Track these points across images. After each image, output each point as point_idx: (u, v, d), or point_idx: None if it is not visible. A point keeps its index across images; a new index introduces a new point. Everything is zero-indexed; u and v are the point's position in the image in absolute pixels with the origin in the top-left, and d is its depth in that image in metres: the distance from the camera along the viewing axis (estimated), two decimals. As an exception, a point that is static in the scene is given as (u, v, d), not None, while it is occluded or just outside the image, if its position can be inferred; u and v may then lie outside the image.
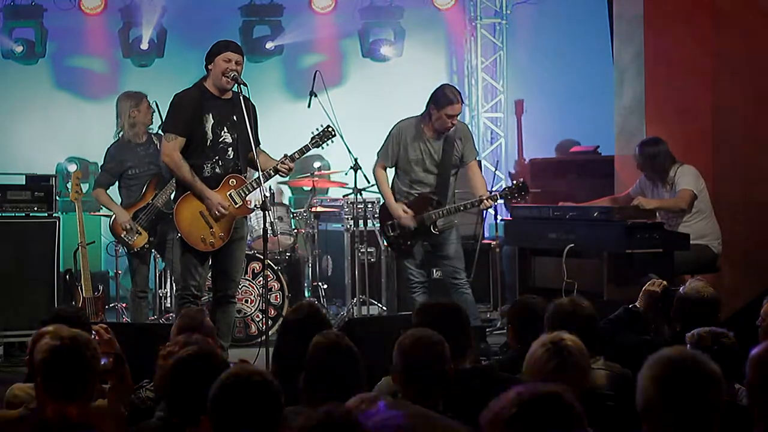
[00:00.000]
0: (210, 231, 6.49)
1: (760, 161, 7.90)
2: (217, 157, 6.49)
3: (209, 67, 6.47)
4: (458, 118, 7.64)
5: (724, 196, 7.57)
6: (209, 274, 6.79)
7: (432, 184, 7.35)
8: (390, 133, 7.43)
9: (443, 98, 7.23)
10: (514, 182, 7.41)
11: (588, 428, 2.49)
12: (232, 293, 6.71)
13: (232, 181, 6.53)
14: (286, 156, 6.56)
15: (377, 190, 8.66)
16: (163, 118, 6.70)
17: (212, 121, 6.45)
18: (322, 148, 6.87)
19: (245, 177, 6.59)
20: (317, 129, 6.77)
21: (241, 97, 6.41)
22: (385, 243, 7.65)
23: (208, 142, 6.45)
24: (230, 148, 6.51)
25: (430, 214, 7.28)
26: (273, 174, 6.58)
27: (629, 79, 8.09)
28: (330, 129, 6.77)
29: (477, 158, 7.71)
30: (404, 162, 7.36)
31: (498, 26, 11.92)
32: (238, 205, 6.54)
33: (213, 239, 6.51)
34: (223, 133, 6.49)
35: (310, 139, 6.72)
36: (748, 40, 7.94)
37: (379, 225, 7.65)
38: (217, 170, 6.50)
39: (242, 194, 6.54)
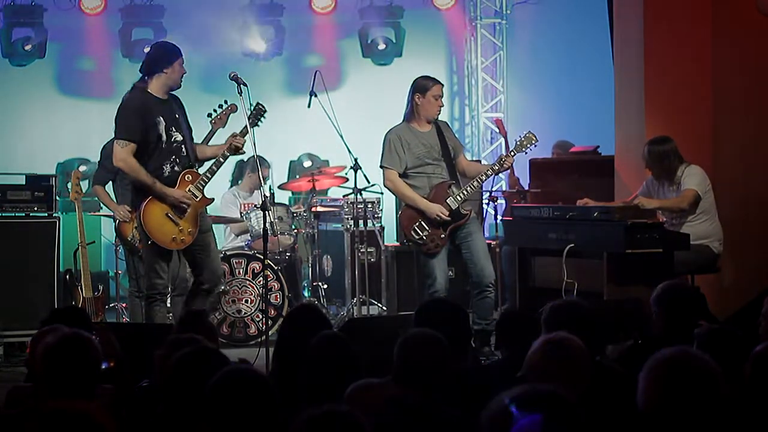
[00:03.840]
0: (179, 229, 6.66)
1: (760, 161, 7.90)
2: (174, 157, 6.66)
3: (166, 71, 6.61)
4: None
5: (723, 195, 7.56)
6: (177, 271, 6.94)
7: (444, 172, 7.28)
8: (388, 140, 7.26)
9: (424, 83, 7.30)
10: (520, 135, 7.39)
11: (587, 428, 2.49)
12: (215, 287, 6.87)
13: (188, 177, 6.70)
14: (234, 135, 6.74)
15: (378, 191, 8.68)
16: (115, 122, 6.69)
17: (164, 123, 6.61)
18: (258, 125, 6.90)
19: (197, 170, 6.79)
20: (249, 110, 6.85)
21: (169, 95, 6.68)
22: (417, 246, 7.27)
23: (164, 144, 6.62)
24: (183, 146, 6.69)
25: (456, 195, 7.23)
26: (228, 156, 6.76)
27: (629, 79, 8.08)
28: (260, 106, 6.88)
29: (464, 151, 7.73)
30: (413, 159, 7.28)
31: (498, 26, 11.93)
32: (198, 198, 6.71)
33: (183, 236, 6.67)
34: (173, 132, 6.66)
35: (248, 120, 6.80)
36: (748, 40, 7.93)
37: (404, 234, 7.42)
38: (176, 169, 6.67)
39: (200, 187, 6.71)
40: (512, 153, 7.32)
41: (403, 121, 7.37)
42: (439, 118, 7.46)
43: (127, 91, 6.74)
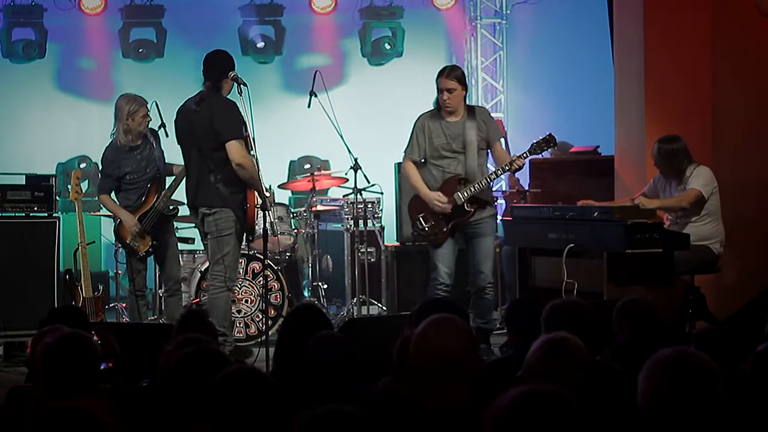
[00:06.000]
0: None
1: (760, 161, 7.90)
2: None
3: (230, 76, 6.79)
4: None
5: (723, 195, 7.55)
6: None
7: (460, 166, 7.22)
8: (415, 126, 7.31)
9: (438, 74, 7.26)
10: (542, 136, 7.34)
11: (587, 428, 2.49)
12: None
13: None
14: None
15: (378, 191, 8.70)
16: (223, 124, 6.75)
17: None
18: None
19: None
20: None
21: None
22: (420, 236, 7.38)
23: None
24: None
25: (463, 191, 7.21)
26: None
27: (629, 79, 8.08)
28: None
29: (500, 138, 7.56)
30: (432, 150, 7.24)
31: (498, 26, 11.93)
32: None
33: None
34: None
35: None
36: (748, 40, 7.94)
37: (411, 222, 7.46)
38: None
39: None
40: (524, 155, 7.27)
41: (434, 107, 7.35)
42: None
43: (213, 96, 6.79)
